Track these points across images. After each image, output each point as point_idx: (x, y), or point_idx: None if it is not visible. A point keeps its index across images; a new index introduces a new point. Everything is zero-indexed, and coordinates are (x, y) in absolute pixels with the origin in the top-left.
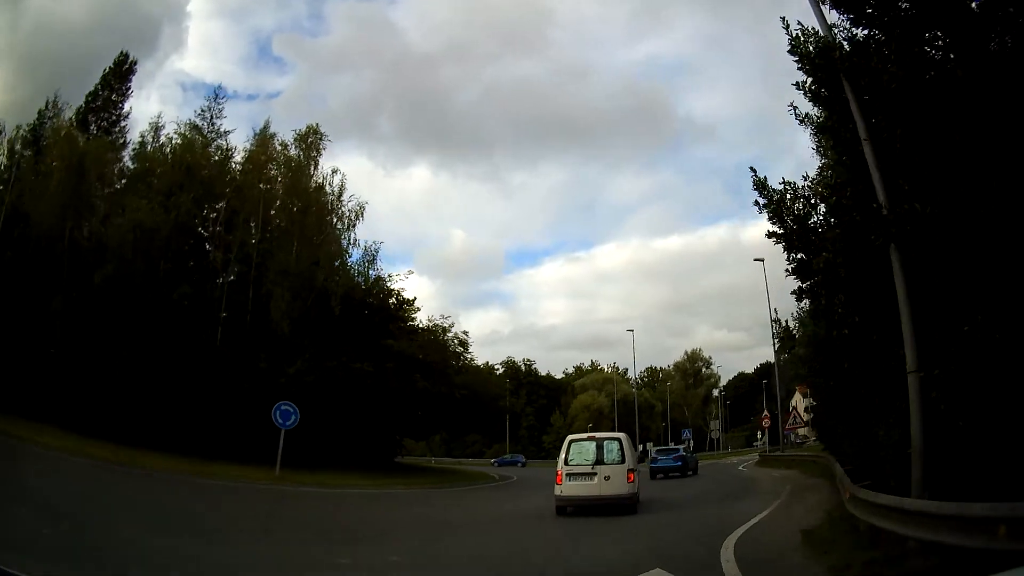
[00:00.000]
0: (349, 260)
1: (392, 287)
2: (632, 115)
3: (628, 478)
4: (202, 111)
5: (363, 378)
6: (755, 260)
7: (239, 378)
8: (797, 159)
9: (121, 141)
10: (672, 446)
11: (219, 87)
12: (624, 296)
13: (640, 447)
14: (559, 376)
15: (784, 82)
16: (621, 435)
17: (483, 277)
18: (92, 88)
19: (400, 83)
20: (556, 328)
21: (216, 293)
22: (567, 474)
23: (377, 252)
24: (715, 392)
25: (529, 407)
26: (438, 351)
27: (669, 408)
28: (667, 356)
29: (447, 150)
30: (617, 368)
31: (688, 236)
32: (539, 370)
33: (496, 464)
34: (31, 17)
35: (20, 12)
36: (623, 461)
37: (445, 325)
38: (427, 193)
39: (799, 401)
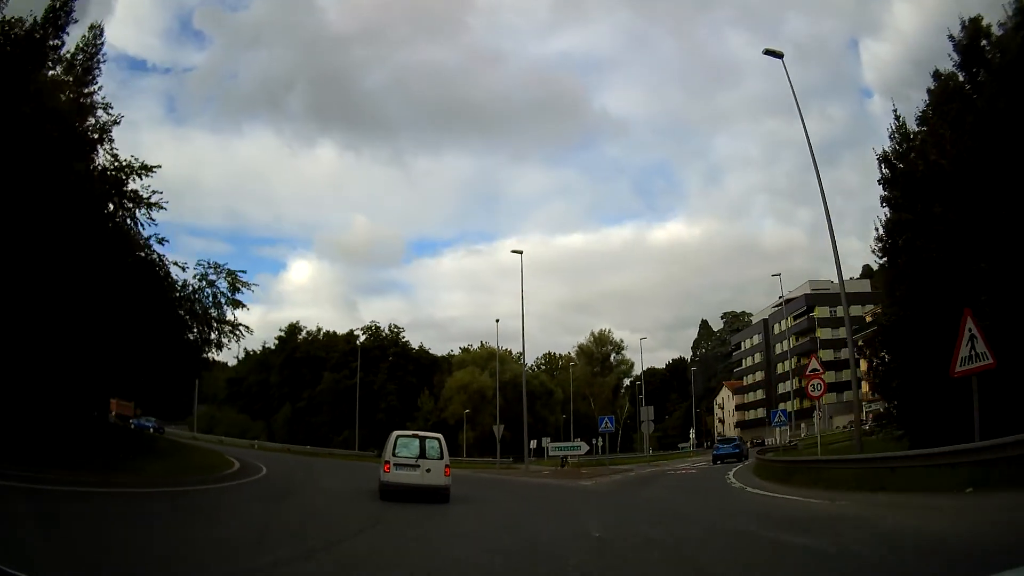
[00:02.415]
0: None
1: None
2: (543, 107)
3: (445, 472)
4: None
5: None
6: (765, 53)
7: None
8: (708, 163)
9: None
10: (729, 436)
11: None
12: (525, 293)
13: (533, 442)
14: (440, 353)
15: (703, 85)
16: (439, 435)
17: (384, 265)
18: None
19: (312, 62)
20: (455, 320)
21: None
22: (395, 464)
23: None
24: (627, 381)
25: (391, 384)
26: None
27: (572, 397)
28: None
29: (353, 132)
30: (510, 352)
31: (591, 235)
32: (410, 342)
33: (134, 426)
34: None
35: None
36: (441, 457)
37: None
38: (331, 175)
39: (728, 399)
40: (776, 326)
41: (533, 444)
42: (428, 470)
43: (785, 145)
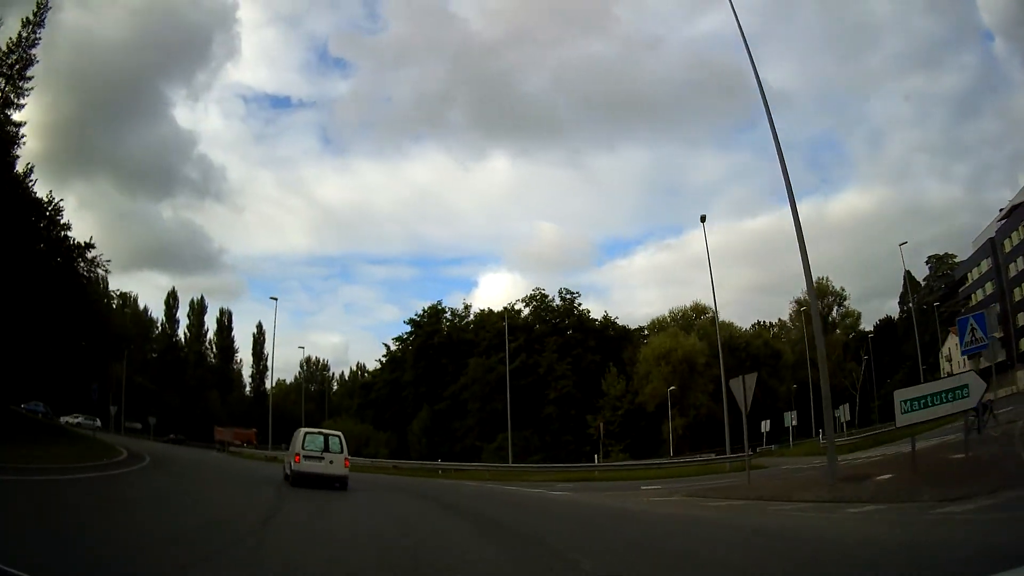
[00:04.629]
0: None
1: None
2: (706, 89)
3: (344, 464)
4: None
5: None
6: None
7: None
8: (868, 128)
9: None
10: None
11: None
12: (716, 281)
13: (766, 424)
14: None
15: (848, 48)
16: (340, 432)
17: (577, 269)
18: None
19: (467, 73)
20: (652, 317)
21: None
22: (304, 456)
23: None
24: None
25: (564, 364)
26: None
27: (808, 360)
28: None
29: (524, 138)
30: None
31: (772, 215)
32: (591, 312)
33: (25, 409)
34: (66, 37)
35: (56, 33)
36: (342, 451)
37: None
38: (509, 185)
39: (955, 348)
40: (1006, 242)
41: (766, 426)
42: (331, 462)
43: (930, 100)
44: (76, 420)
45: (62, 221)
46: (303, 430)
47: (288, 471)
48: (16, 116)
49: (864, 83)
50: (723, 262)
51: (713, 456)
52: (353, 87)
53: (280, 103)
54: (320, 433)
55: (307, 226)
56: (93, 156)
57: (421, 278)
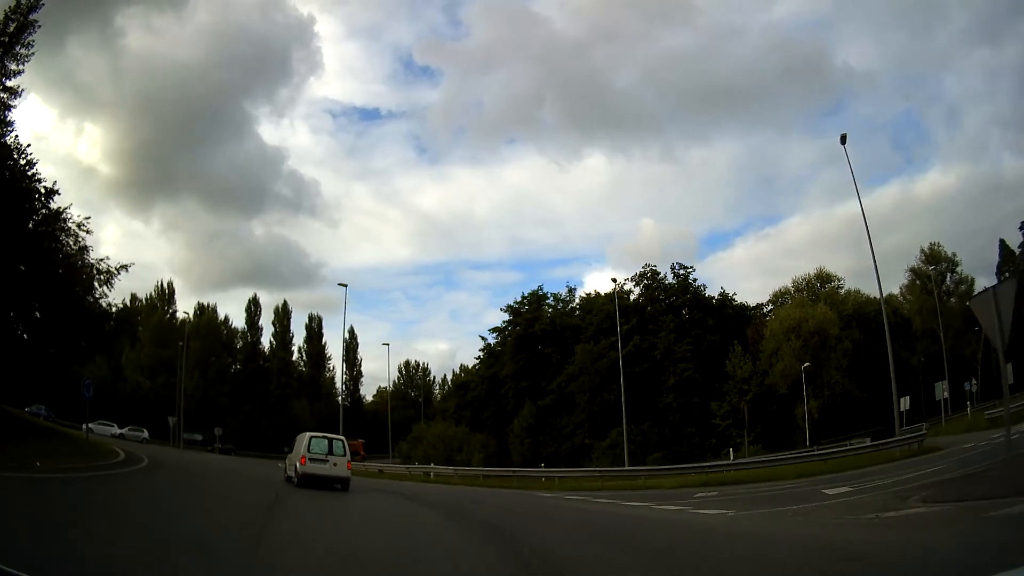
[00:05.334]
0: None
1: None
2: (791, 74)
3: (347, 466)
4: None
5: None
6: None
7: None
8: (945, 105)
9: None
10: None
11: None
12: (811, 268)
13: (905, 400)
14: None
15: (920, 23)
16: (342, 437)
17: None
18: None
19: (555, 73)
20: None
21: None
22: (310, 459)
23: None
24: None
25: (682, 345)
26: None
27: (942, 327)
28: None
29: (618, 135)
30: (837, 285)
31: (864, 199)
32: (707, 288)
33: (28, 413)
34: (137, 63)
35: (122, 58)
36: (345, 454)
37: None
38: (607, 183)
39: None
40: None
41: (905, 403)
42: (334, 464)
43: (999, 73)
44: (116, 431)
45: (30, 172)
46: (308, 434)
47: (292, 473)
48: (12, 83)
49: (937, 59)
50: (818, 247)
51: (869, 441)
52: (442, 94)
53: (369, 115)
54: (325, 437)
55: (407, 236)
56: (177, 178)
57: (525, 281)
